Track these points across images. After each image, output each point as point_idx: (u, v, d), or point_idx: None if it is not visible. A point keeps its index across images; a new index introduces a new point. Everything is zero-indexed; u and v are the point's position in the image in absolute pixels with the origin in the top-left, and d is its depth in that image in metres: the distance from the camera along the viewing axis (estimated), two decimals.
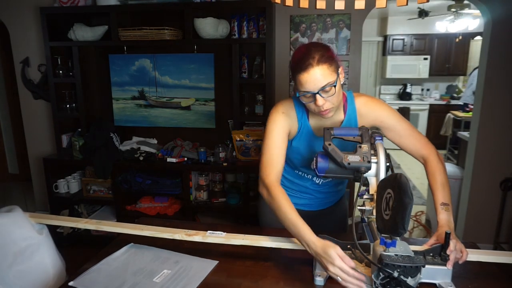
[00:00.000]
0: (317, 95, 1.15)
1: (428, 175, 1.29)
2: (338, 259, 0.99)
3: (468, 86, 5.63)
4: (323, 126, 1.32)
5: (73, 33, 2.80)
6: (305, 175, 1.44)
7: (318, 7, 1.20)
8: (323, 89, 1.14)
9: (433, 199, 1.22)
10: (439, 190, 1.22)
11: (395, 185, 0.92)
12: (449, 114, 5.57)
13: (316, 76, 1.13)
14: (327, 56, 1.15)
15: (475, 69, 5.61)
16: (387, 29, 6.36)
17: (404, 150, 1.37)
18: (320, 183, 1.45)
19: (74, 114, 3.02)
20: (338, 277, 0.99)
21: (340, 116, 1.34)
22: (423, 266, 0.94)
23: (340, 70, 1.20)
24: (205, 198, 2.83)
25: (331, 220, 1.56)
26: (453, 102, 6.34)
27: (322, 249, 1.03)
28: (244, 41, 2.68)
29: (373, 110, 1.33)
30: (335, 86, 1.16)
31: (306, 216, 1.51)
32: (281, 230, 1.48)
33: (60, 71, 2.94)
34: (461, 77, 6.70)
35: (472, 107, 4.38)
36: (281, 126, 1.30)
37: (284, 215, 1.15)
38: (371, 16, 6.22)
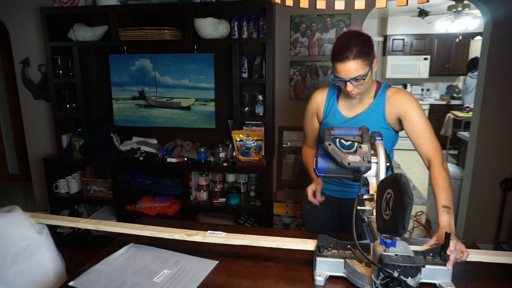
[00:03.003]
0: (348, 83, 1.32)
1: (432, 178, 1.31)
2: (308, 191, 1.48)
3: (468, 91, 5.64)
4: (351, 105, 1.51)
5: (73, 33, 2.80)
6: None
7: (318, 7, 1.20)
8: (354, 79, 1.30)
9: (435, 202, 1.23)
10: (441, 193, 1.23)
11: (395, 185, 0.92)
12: (449, 114, 5.56)
13: (350, 68, 1.29)
14: (364, 52, 1.29)
15: (468, 73, 5.63)
16: (387, 29, 6.36)
17: (415, 146, 1.40)
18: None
19: (74, 114, 3.02)
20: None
21: (370, 99, 1.47)
22: (423, 266, 0.94)
23: (375, 61, 1.34)
24: (205, 198, 2.83)
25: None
26: (453, 102, 6.34)
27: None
28: (244, 41, 2.68)
29: (401, 100, 1.42)
30: (364, 79, 1.30)
31: (333, 202, 1.63)
32: (281, 230, 1.48)
33: (60, 71, 2.94)
34: (461, 77, 6.70)
35: (472, 107, 4.38)
36: (309, 110, 1.61)
37: (306, 166, 1.66)
38: (371, 16, 6.22)
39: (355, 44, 1.28)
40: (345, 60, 1.28)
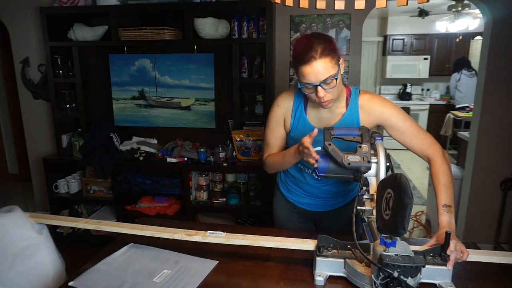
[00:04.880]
0: (319, 87, 1.18)
1: (432, 175, 1.28)
2: (305, 139, 1.16)
3: (466, 91, 5.65)
4: (321, 117, 1.37)
5: (73, 33, 2.80)
6: (306, 169, 1.45)
7: (318, 7, 1.20)
8: (324, 81, 1.17)
9: (436, 201, 1.22)
10: (442, 192, 1.21)
11: (395, 185, 0.92)
12: (449, 114, 5.57)
13: (318, 69, 1.15)
14: (330, 49, 1.17)
15: (462, 70, 5.64)
16: (387, 29, 6.36)
17: (409, 149, 1.36)
18: (320, 178, 1.44)
19: (74, 114, 3.02)
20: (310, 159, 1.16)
21: (342, 109, 1.35)
22: (423, 266, 0.95)
23: (341, 61, 1.23)
24: (205, 198, 2.83)
25: (337, 222, 1.54)
26: (453, 102, 6.34)
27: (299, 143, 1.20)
28: (244, 41, 2.67)
29: (378, 107, 1.32)
30: (336, 79, 1.19)
31: (310, 215, 1.55)
32: (281, 230, 1.48)
33: (60, 71, 2.94)
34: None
35: (472, 107, 4.39)
36: (274, 117, 1.44)
37: (277, 160, 1.41)
38: (371, 16, 6.21)
39: (318, 42, 1.16)
40: (311, 60, 1.15)
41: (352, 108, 1.34)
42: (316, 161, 1.14)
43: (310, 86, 1.20)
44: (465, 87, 5.65)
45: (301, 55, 1.17)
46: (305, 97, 1.36)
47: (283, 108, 1.42)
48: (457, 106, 5.75)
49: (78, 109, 2.98)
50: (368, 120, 1.34)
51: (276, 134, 1.45)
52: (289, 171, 1.52)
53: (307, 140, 1.15)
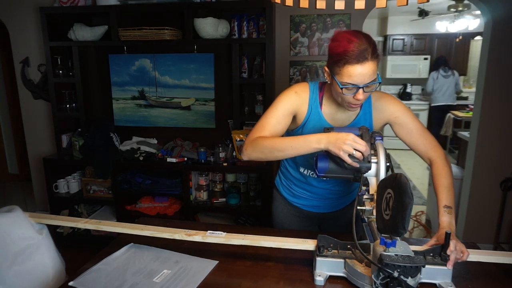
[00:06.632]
0: (361, 90, 1.14)
1: (433, 177, 1.28)
2: (351, 135, 1.05)
3: (441, 90, 5.70)
4: (336, 117, 1.34)
5: (73, 33, 2.80)
6: (310, 173, 1.43)
7: (318, 7, 1.20)
8: (367, 84, 1.13)
9: (437, 201, 1.22)
10: (443, 193, 1.21)
11: (395, 185, 0.92)
12: (449, 114, 5.57)
13: (369, 71, 1.11)
14: (378, 51, 1.13)
15: (440, 70, 5.68)
16: (387, 29, 6.36)
17: (413, 149, 1.35)
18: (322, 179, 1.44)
19: (74, 114, 3.02)
20: (353, 152, 1.05)
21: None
22: (423, 266, 0.95)
23: None
24: (205, 198, 2.83)
25: (343, 223, 1.54)
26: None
27: (334, 134, 1.09)
28: (244, 41, 2.68)
29: (389, 105, 1.32)
30: (379, 82, 1.15)
31: (316, 218, 1.53)
32: (281, 230, 1.48)
33: (60, 71, 2.94)
34: (461, 77, 6.69)
35: (472, 107, 4.39)
36: (289, 103, 1.30)
37: (281, 143, 1.20)
38: (371, 16, 6.22)
39: (368, 42, 1.11)
40: (364, 61, 1.09)
41: (366, 108, 1.33)
42: (317, 164, 1.13)
43: (352, 87, 1.13)
44: (441, 86, 5.71)
45: (351, 52, 1.09)
46: (320, 94, 1.32)
47: (301, 98, 1.30)
48: (432, 105, 5.84)
49: (78, 109, 2.98)
50: (379, 118, 1.33)
51: (282, 121, 1.29)
52: (293, 175, 1.50)
53: (360, 141, 1.06)
